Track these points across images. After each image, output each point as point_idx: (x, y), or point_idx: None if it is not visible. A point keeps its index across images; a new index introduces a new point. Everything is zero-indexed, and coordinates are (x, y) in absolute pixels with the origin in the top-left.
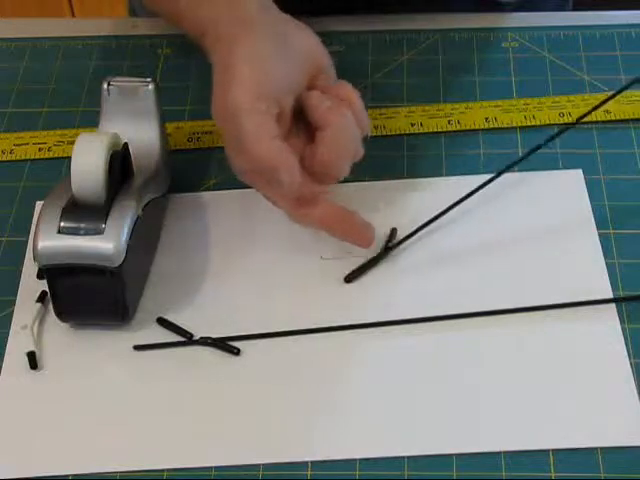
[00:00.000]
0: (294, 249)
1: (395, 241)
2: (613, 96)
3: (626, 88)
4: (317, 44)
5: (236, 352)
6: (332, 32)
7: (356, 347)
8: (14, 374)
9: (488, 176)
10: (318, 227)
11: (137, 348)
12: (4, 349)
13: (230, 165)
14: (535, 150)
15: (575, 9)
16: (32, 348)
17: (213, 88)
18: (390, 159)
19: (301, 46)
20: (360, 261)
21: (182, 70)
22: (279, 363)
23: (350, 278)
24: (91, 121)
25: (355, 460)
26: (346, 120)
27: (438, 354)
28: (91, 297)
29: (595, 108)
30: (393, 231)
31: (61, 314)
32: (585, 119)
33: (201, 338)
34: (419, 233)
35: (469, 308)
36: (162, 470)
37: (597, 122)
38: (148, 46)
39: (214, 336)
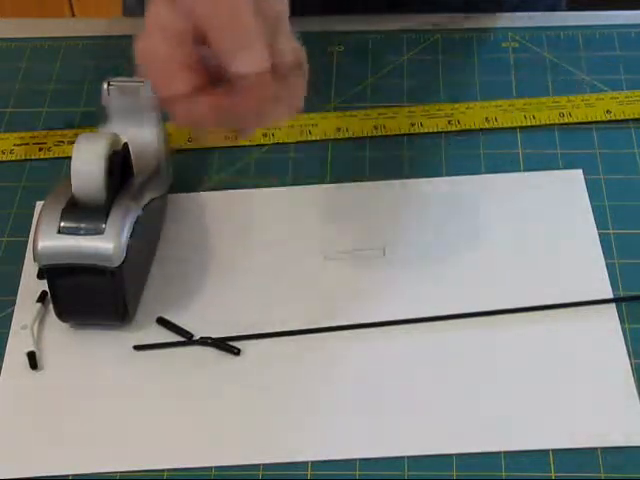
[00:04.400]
0: (295, 249)
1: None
2: None
3: None
4: None
5: (236, 352)
6: (332, 32)
7: (356, 347)
8: (14, 374)
9: (490, 176)
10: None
11: (137, 348)
12: (4, 349)
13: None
14: None
15: (571, 8)
16: (32, 348)
17: None
18: (390, 159)
19: None
20: (363, 261)
21: None
22: (279, 363)
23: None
24: (91, 121)
25: (355, 460)
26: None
27: (438, 354)
28: (91, 297)
29: None
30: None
31: (61, 314)
32: (585, 119)
33: (201, 338)
34: (418, 234)
35: (468, 308)
36: (162, 470)
37: (597, 122)
38: None
39: (214, 336)
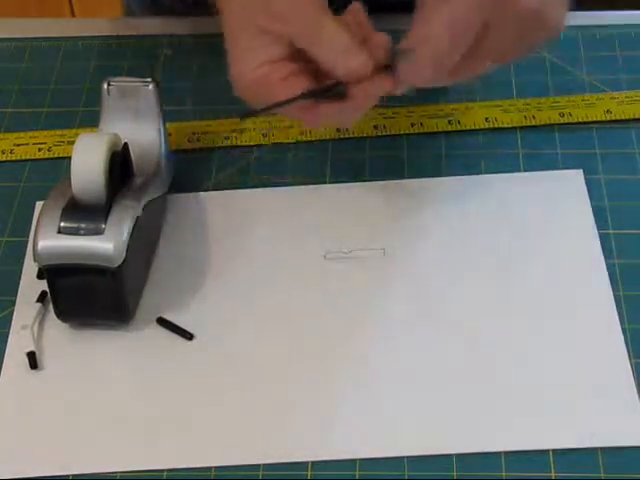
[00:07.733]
0: (295, 249)
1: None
2: None
3: None
4: None
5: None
6: None
7: (357, 347)
8: (14, 374)
9: (489, 176)
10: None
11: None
12: (4, 349)
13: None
14: None
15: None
16: (32, 348)
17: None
18: (390, 159)
19: None
20: (363, 261)
21: (182, 70)
22: (279, 363)
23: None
24: (91, 121)
25: (355, 460)
26: None
27: (438, 354)
28: (91, 297)
29: None
30: None
31: (61, 314)
32: (585, 119)
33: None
34: (418, 234)
35: (468, 308)
36: (162, 470)
37: (597, 122)
38: (148, 46)
39: (214, 336)
